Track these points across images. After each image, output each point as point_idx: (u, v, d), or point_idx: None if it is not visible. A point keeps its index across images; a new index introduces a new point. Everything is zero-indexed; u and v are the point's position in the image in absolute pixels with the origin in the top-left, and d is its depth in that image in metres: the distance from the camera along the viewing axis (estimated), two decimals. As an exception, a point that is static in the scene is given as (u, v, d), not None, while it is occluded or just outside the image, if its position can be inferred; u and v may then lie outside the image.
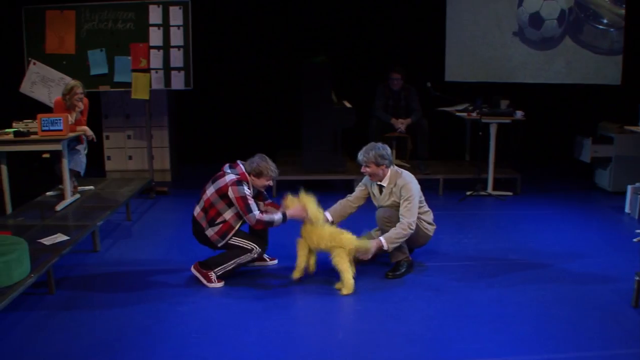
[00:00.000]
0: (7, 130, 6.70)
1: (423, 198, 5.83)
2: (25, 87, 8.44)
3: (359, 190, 5.99)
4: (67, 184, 6.89)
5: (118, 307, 4.99)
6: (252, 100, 10.85)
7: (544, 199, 8.63)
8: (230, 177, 5.36)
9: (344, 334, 4.58)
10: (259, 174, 5.49)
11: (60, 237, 5.67)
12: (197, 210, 5.59)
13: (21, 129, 6.67)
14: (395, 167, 5.78)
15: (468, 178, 8.89)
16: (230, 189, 5.29)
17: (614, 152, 8.68)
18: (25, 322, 4.70)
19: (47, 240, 5.58)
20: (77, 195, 7.21)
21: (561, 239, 6.80)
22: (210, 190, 5.45)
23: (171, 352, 4.24)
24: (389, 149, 5.75)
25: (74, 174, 7.21)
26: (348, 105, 9.08)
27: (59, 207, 6.72)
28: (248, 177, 5.46)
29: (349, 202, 5.99)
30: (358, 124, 8.93)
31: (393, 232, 5.52)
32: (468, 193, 8.49)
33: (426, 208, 5.88)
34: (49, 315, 4.83)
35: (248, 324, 4.71)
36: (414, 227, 5.55)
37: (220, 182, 5.38)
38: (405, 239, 5.58)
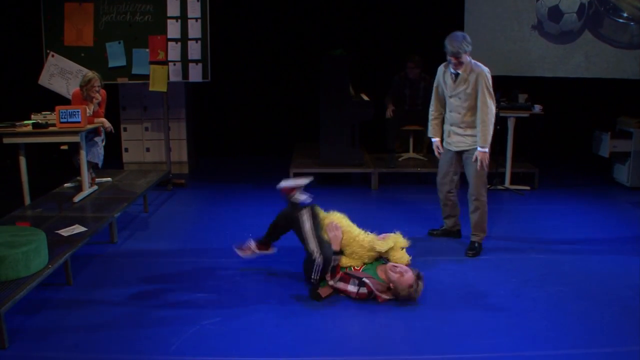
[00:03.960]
0: (25, 122, 6.73)
1: None
2: (44, 80, 8.48)
3: (435, 90, 6.19)
4: (85, 175, 6.91)
5: (135, 299, 5.02)
6: (270, 93, 10.85)
7: (561, 193, 8.58)
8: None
9: (359, 328, 4.58)
10: None
11: (77, 229, 5.70)
12: None
13: (39, 121, 6.70)
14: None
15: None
16: None
17: (633, 147, 8.62)
18: (42, 313, 4.73)
19: (65, 232, 5.61)
20: (95, 187, 7.24)
21: (578, 234, 6.76)
22: None
23: (187, 345, 4.26)
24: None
25: (92, 165, 7.24)
26: (366, 98, 9.07)
27: (76, 199, 6.75)
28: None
29: (439, 115, 6.24)
30: (376, 117, 8.92)
31: (480, 131, 5.83)
32: (485, 187, 8.47)
33: None
34: (66, 306, 4.86)
35: (267, 313, 4.73)
36: (493, 114, 5.86)
37: None
38: (492, 125, 5.86)
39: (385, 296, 4.91)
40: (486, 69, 5.84)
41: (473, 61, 5.85)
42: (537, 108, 8.61)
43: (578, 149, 10.50)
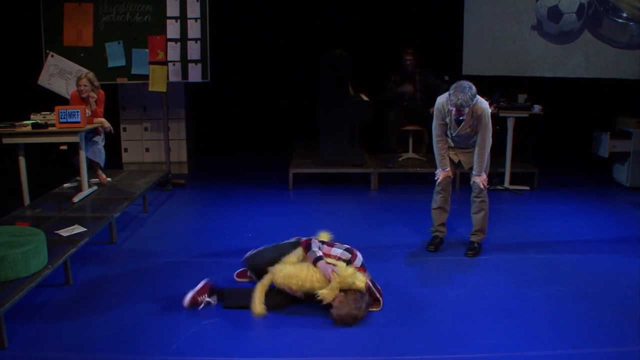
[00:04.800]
0: (25, 122, 6.73)
1: None
2: (43, 80, 8.48)
3: (440, 126, 6.05)
4: (85, 175, 6.92)
5: (135, 298, 5.02)
6: (270, 93, 10.85)
7: (561, 193, 8.58)
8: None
9: (359, 328, 4.57)
10: None
11: (77, 229, 5.70)
12: None
13: (39, 121, 6.71)
14: None
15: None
16: None
17: (632, 147, 8.61)
18: (42, 313, 4.73)
19: (65, 232, 5.61)
20: (95, 187, 7.24)
21: (578, 234, 6.76)
22: None
23: (187, 344, 4.26)
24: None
25: (95, 165, 7.24)
26: (365, 98, 9.07)
27: (76, 199, 6.75)
28: None
29: (444, 145, 6.13)
30: (375, 117, 8.92)
31: (477, 162, 5.94)
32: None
33: None
34: (66, 306, 4.86)
35: (267, 313, 4.72)
36: (490, 140, 5.90)
37: None
38: (488, 155, 5.99)
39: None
40: (486, 106, 5.83)
41: (474, 99, 5.75)
42: (537, 108, 8.61)
43: (577, 149, 10.50)
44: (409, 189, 8.80)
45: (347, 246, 5.01)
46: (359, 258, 4.94)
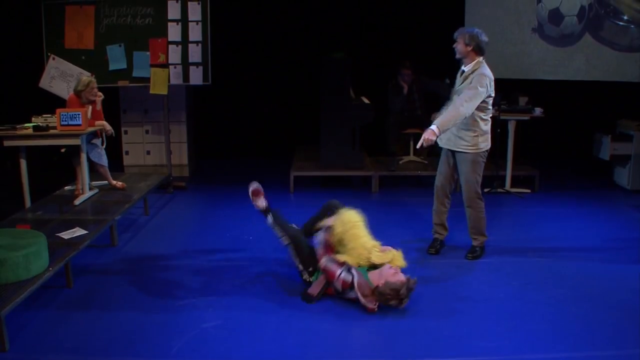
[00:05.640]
0: (26, 125, 6.74)
1: (491, 100, 5.83)
2: (45, 82, 8.48)
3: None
4: (86, 178, 6.92)
5: (135, 302, 5.02)
6: (271, 95, 10.86)
7: (562, 196, 8.57)
8: None
9: (360, 330, 4.57)
10: None
11: (78, 231, 5.71)
12: None
13: (40, 124, 6.71)
14: (483, 60, 5.78)
15: (486, 175, 8.79)
16: None
17: (634, 150, 8.61)
18: (43, 315, 4.74)
19: (66, 234, 5.61)
20: (96, 190, 7.24)
21: (579, 237, 6.76)
22: None
23: (188, 347, 4.26)
24: (485, 38, 5.75)
25: (99, 168, 7.23)
26: (366, 101, 9.07)
27: (77, 202, 6.75)
28: None
29: None
30: (376, 120, 8.91)
31: (444, 115, 5.60)
32: (486, 190, 8.42)
33: (489, 114, 5.88)
34: (67, 309, 4.86)
35: (268, 316, 4.73)
36: (465, 110, 5.54)
37: None
38: (455, 120, 5.55)
39: (364, 299, 4.81)
40: (489, 74, 5.69)
41: (483, 64, 5.73)
42: (538, 111, 8.61)
43: (579, 152, 10.49)
44: (409, 192, 8.80)
45: None
46: None
